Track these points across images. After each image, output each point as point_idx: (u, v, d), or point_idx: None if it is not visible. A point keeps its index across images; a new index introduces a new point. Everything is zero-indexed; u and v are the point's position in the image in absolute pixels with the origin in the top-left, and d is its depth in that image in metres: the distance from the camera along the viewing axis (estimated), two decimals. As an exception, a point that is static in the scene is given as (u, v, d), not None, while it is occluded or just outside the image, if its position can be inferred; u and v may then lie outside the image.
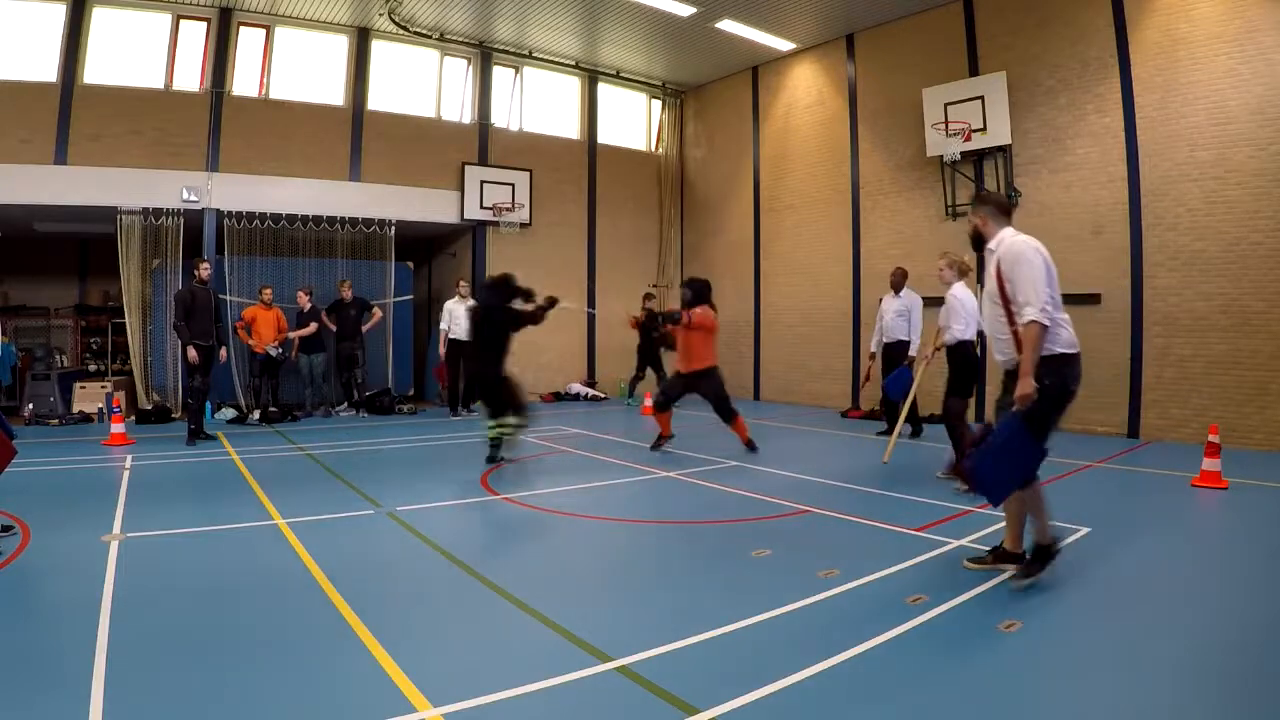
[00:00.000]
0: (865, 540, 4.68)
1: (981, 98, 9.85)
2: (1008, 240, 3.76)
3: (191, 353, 8.13)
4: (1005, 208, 3.97)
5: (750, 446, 7.67)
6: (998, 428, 3.73)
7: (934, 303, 7.42)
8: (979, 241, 3.96)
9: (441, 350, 10.90)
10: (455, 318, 10.77)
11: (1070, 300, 10.26)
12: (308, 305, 10.73)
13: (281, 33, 11.36)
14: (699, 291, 7.71)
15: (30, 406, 9.95)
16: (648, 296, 12.89)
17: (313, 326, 10.69)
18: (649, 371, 11.98)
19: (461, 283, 11.20)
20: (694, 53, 13.06)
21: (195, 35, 10.79)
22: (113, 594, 3.58)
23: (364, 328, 11.05)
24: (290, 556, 4.25)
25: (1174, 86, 8.48)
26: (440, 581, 3.96)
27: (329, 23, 11.54)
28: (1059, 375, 3.64)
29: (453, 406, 11.09)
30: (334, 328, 10.88)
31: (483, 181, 12.65)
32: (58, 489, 6.09)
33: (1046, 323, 3.55)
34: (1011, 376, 3.78)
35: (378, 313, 11.33)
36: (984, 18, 10.23)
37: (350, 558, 4.29)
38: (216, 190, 10.71)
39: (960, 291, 6.06)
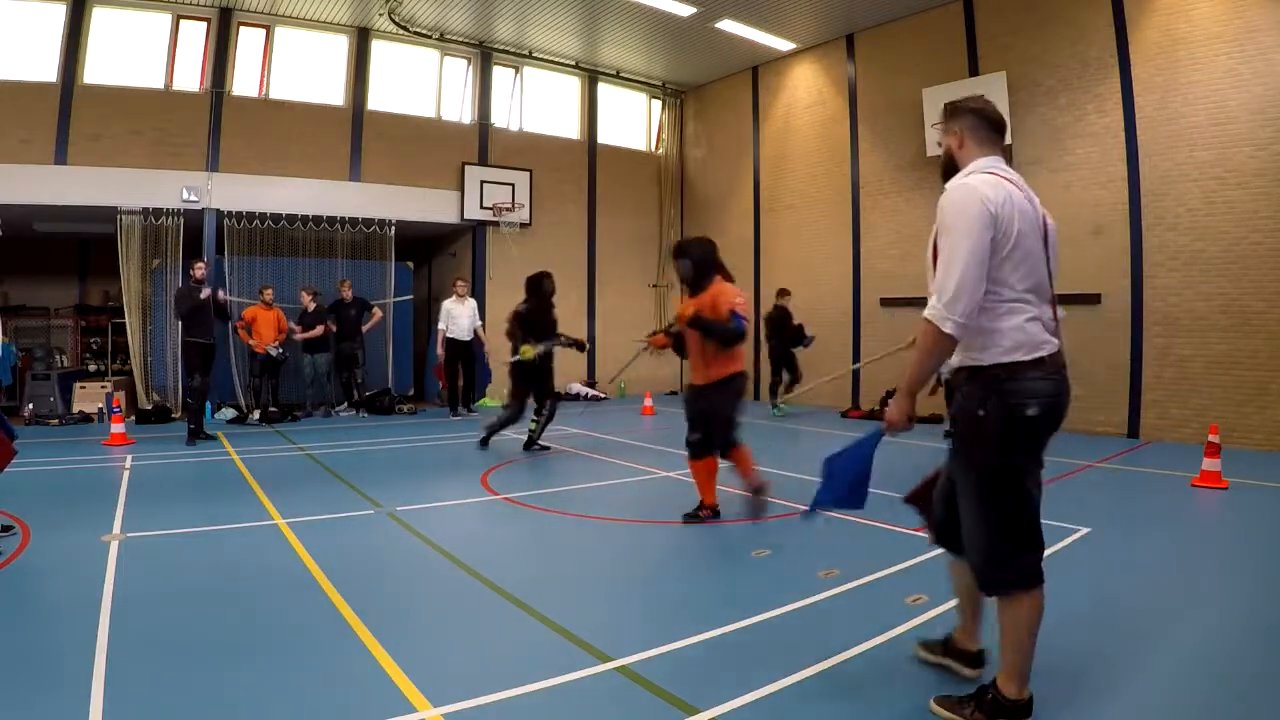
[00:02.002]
0: (865, 540, 4.68)
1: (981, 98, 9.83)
2: (957, 183, 2.44)
3: (220, 294, 8.33)
4: (997, 121, 2.55)
5: (759, 491, 5.29)
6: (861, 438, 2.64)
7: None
8: (950, 174, 2.58)
9: (440, 351, 10.80)
10: (453, 317, 10.70)
11: (1070, 300, 10.25)
12: (312, 305, 10.72)
13: (281, 33, 11.36)
14: (703, 260, 5.17)
15: (30, 406, 9.95)
16: (782, 293, 11.27)
17: (321, 329, 10.69)
18: (783, 375, 11.15)
19: (459, 282, 11.11)
20: (694, 53, 13.06)
21: (195, 35, 10.79)
22: (113, 594, 3.58)
23: (364, 328, 11.06)
24: (290, 556, 4.25)
25: (1174, 86, 8.49)
26: (440, 581, 3.96)
27: (329, 23, 11.54)
28: (1000, 395, 2.32)
29: (452, 406, 11.06)
30: (334, 328, 10.89)
31: (483, 181, 12.65)
32: (58, 489, 6.09)
33: (950, 329, 2.27)
34: (950, 391, 2.52)
35: (378, 313, 11.34)
36: (984, 18, 10.23)
37: (350, 558, 4.28)
38: (216, 190, 10.71)
39: None
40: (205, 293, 8.21)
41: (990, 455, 2.36)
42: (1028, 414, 2.32)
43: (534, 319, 7.75)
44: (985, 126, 2.52)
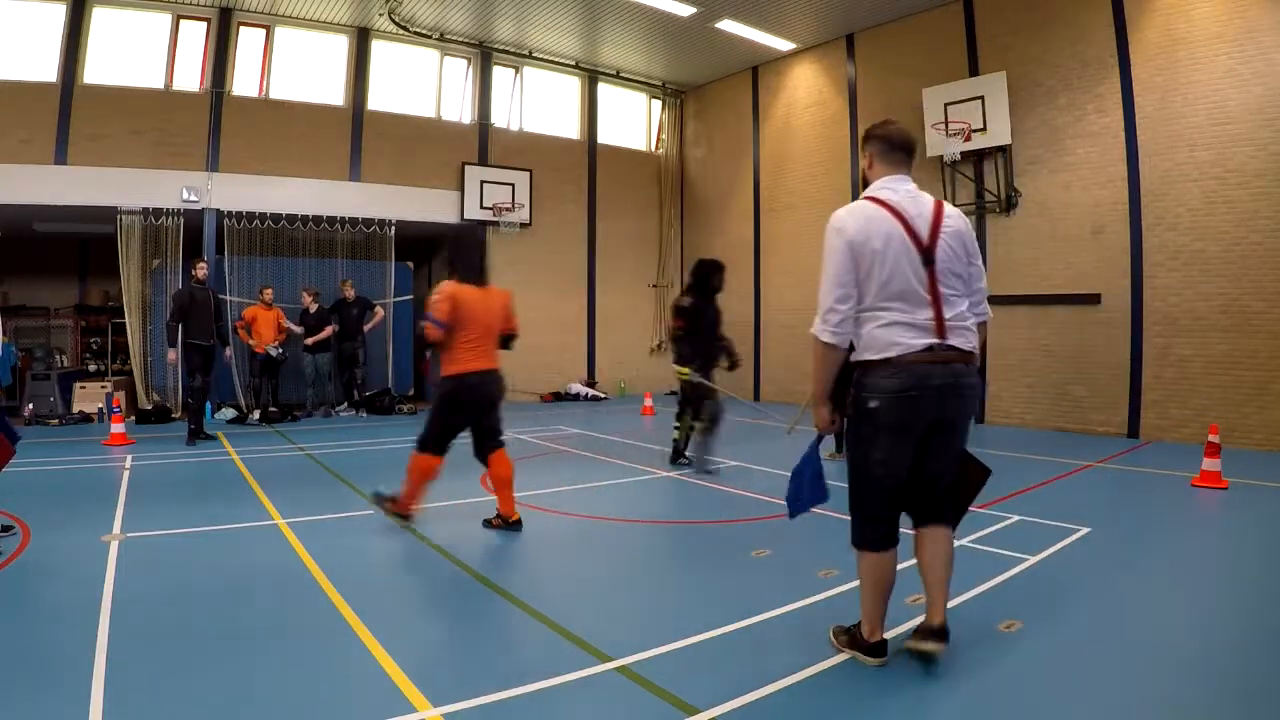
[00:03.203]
0: (865, 540, 4.67)
1: (981, 98, 9.84)
2: (832, 216, 2.74)
3: (171, 354, 8.29)
4: (900, 143, 2.81)
5: (401, 515, 4.86)
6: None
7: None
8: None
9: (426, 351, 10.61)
10: None
11: (1070, 300, 10.22)
12: (313, 306, 10.72)
13: (281, 33, 11.36)
14: (452, 257, 4.93)
15: (30, 406, 9.95)
16: None
17: (328, 330, 10.68)
18: None
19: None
20: (694, 53, 13.06)
21: (195, 35, 10.79)
22: (113, 594, 3.58)
23: (366, 327, 11.07)
24: (290, 556, 4.25)
25: (1174, 86, 8.48)
26: (440, 581, 3.96)
27: (329, 23, 11.54)
28: (855, 389, 2.74)
29: None
30: (337, 328, 10.92)
31: (483, 181, 12.65)
32: (58, 489, 6.08)
33: (826, 338, 2.66)
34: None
35: (380, 312, 11.34)
36: (984, 18, 10.23)
37: (350, 558, 4.28)
38: (216, 190, 10.71)
39: None
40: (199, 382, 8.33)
41: (849, 437, 2.84)
42: (869, 406, 2.69)
43: (702, 321, 6.58)
44: (890, 149, 2.80)
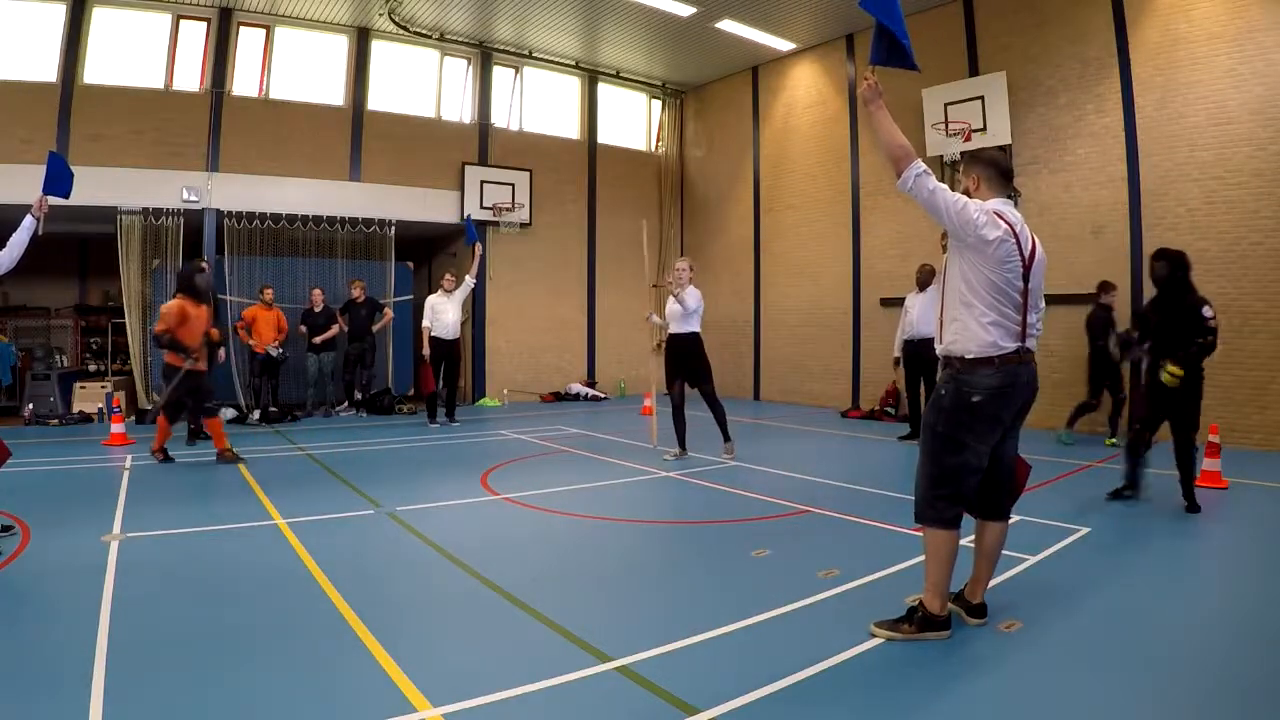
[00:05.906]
0: (865, 540, 4.68)
1: (981, 98, 9.85)
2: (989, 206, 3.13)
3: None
4: (1005, 170, 3.22)
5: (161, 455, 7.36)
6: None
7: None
8: None
9: (426, 351, 9.71)
10: (438, 313, 9.72)
11: (1071, 300, 10.19)
12: (320, 305, 10.72)
13: (281, 33, 11.36)
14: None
15: (30, 406, 9.95)
16: (1104, 288, 8.23)
17: (334, 330, 10.71)
18: (1104, 396, 8.32)
19: (447, 276, 10.17)
20: (694, 53, 13.06)
21: (195, 35, 10.79)
22: (113, 594, 3.58)
23: (374, 327, 11.09)
24: (290, 556, 4.25)
25: (1174, 86, 8.49)
26: (440, 581, 3.96)
27: (329, 23, 11.54)
28: (960, 383, 3.05)
29: (431, 414, 10.07)
30: (346, 328, 10.93)
31: (483, 181, 12.65)
32: (58, 489, 6.08)
33: (908, 179, 3.10)
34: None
35: (389, 313, 11.38)
36: (984, 18, 10.24)
37: (350, 558, 4.29)
38: (216, 190, 10.71)
39: (696, 292, 7.47)
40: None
41: (937, 425, 3.12)
42: (972, 400, 3.02)
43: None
44: (1000, 175, 3.21)
